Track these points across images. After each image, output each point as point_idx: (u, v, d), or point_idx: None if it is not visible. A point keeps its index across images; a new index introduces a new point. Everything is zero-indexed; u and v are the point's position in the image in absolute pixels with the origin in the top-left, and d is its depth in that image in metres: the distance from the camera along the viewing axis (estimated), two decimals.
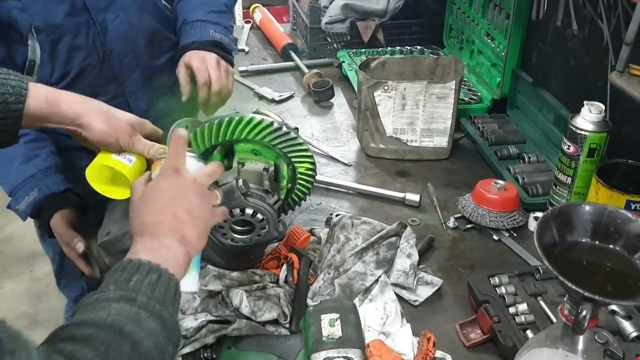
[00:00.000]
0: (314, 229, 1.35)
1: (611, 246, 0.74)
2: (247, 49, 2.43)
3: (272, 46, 2.43)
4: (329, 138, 1.82)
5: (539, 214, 1.42)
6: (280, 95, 2.03)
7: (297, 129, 1.79)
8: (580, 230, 0.76)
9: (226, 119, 1.15)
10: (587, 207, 0.76)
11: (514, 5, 1.66)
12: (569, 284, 0.66)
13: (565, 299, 0.76)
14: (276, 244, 1.32)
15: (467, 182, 1.57)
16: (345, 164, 1.68)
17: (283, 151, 1.21)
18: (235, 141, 1.19)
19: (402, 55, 2.02)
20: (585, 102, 1.29)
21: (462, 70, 1.65)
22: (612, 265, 0.74)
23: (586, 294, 0.65)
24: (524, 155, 1.62)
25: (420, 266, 1.28)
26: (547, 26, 1.64)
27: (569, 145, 1.31)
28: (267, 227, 1.19)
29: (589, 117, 1.27)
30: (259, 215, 1.09)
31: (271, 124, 1.18)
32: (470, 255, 1.34)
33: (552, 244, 0.74)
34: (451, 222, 1.43)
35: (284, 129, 1.19)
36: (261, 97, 2.04)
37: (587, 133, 1.27)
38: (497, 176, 1.57)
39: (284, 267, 1.22)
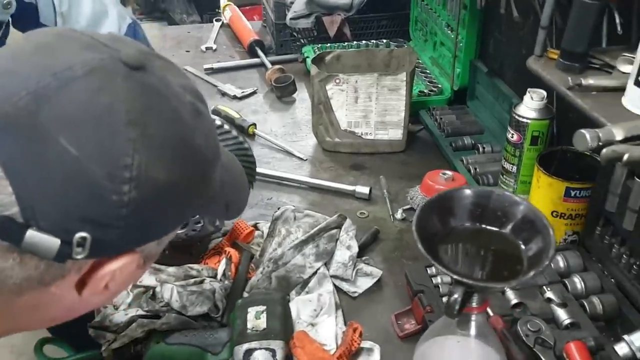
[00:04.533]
0: (258, 223, 1.35)
1: (499, 229, 0.74)
2: (214, 46, 2.43)
3: (241, 44, 2.42)
4: (288, 133, 1.81)
5: None
6: (243, 92, 2.02)
7: (254, 124, 1.80)
8: (465, 214, 0.75)
9: None
10: (468, 192, 0.75)
11: None
12: (440, 267, 0.65)
13: None
14: (220, 239, 1.31)
15: (421, 173, 1.55)
16: (301, 159, 1.67)
17: None
18: None
19: (357, 49, 2.01)
20: (528, 90, 1.28)
21: (414, 62, 1.64)
22: (497, 248, 0.73)
23: (455, 277, 0.64)
24: (479, 145, 1.62)
25: (364, 258, 1.27)
26: (501, 16, 1.62)
27: (512, 134, 1.31)
28: (201, 221, 1.19)
29: (531, 105, 1.26)
30: None
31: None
32: (415, 246, 1.33)
33: (435, 230, 0.73)
34: (399, 214, 1.42)
35: (217, 122, 1.18)
36: (224, 94, 2.04)
37: (529, 121, 1.27)
38: (450, 167, 1.56)
39: (223, 261, 1.21)
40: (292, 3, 2.30)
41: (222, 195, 0.75)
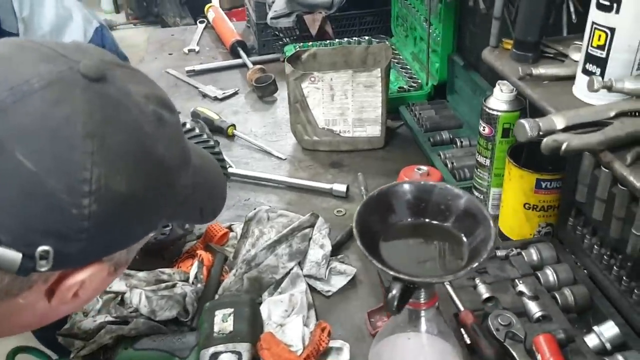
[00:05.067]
0: (232, 224, 1.34)
1: (441, 223, 0.73)
2: (197, 48, 2.43)
3: (223, 45, 2.41)
4: (268, 133, 1.81)
5: None
6: (224, 93, 2.02)
7: (233, 125, 1.79)
8: (407, 209, 0.74)
9: None
10: (410, 186, 0.75)
11: None
12: (377, 264, 0.65)
13: None
14: (194, 241, 1.31)
15: (400, 169, 1.55)
16: (280, 158, 1.67)
17: None
18: None
19: (333, 47, 2.00)
20: (497, 82, 1.27)
21: (389, 57, 1.63)
22: (439, 242, 0.72)
23: (392, 273, 0.63)
24: (457, 140, 1.61)
25: (339, 256, 1.27)
26: (475, 8, 1.61)
27: (484, 127, 1.30)
28: (170, 225, 1.18)
29: (500, 97, 1.25)
30: None
31: (183, 124, 1.17)
32: None
33: (378, 227, 0.72)
34: None
35: (187, 125, 1.18)
36: (205, 96, 2.03)
37: (499, 113, 1.26)
38: (428, 162, 1.55)
39: (195, 264, 1.21)
40: (273, 2, 2.30)
41: (195, 199, 0.75)
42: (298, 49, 2.17)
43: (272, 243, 1.22)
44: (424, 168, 1.40)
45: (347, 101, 1.60)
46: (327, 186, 1.50)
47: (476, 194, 1.39)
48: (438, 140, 1.63)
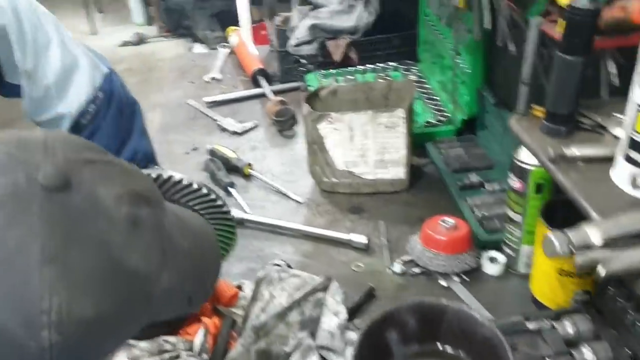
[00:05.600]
0: (242, 283, 1.26)
1: (457, 354, 0.63)
2: (219, 76, 2.36)
3: (245, 72, 2.35)
4: (286, 172, 1.72)
5: (494, 254, 1.30)
6: (243, 127, 1.94)
7: (249, 164, 1.72)
8: (416, 334, 0.65)
9: None
10: (419, 307, 0.65)
11: (475, 20, 1.53)
12: None
13: None
14: None
15: (425, 216, 1.44)
16: (297, 202, 1.58)
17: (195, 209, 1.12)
18: None
19: (354, 83, 1.91)
20: None
21: (412, 96, 1.53)
22: None
23: None
24: (487, 183, 1.50)
25: (356, 321, 1.18)
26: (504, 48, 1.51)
27: (515, 181, 1.19)
28: None
29: None
30: None
31: (179, 181, 1.09)
32: None
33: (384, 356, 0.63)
34: (397, 267, 1.32)
35: (183, 181, 1.10)
36: (223, 130, 1.96)
37: (532, 167, 1.15)
38: (455, 209, 1.44)
39: (200, 333, 1.13)
40: (295, 28, 2.22)
41: (182, 290, 0.69)
42: (320, 77, 2.10)
43: (283, 310, 1.13)
44: (450, 221, 1.30)
45: (367, 142, 1.50)
46: (345, 236, 1.41)
47: (506, 249, 1.28)
48: (467, 184, 1.52)
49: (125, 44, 3.30)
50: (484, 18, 1.23)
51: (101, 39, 3.30)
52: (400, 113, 1.45)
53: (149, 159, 1.41)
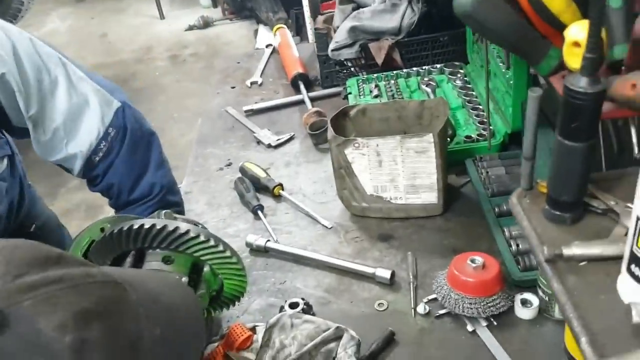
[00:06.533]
0: (257, 326, 1.21)
1: None
2: (260, 80, 2.31)
3: (286, 75, 2.28)
4: (317, 192, 1.66)
5: (528, 296, 1.19)
6: (278, 140, 1.89)
7: (280, 185, 1.66)
8: None
9: (125, 227, 1.05)
10: None
11: None
12: None
13: None
14: (216, 343, 1.20)
15: (458, 247, 1.36)
16: (325, 227, 1.51)
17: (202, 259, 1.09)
18: (146, 248, 1.08)
19: (384, 101, 1.80)
20: None
21: (446, 115, 1.42)
22: None
23: None
24: None
25: None
26: None
27: None
28: None
29: None
30: None
31: (186, 232, 1.05)
32: (436, 354, 1.15)
33: None
34: (422, 308, 1.23)
35: (202, 237, 1.06)
36: (259, 142, 1.91)
37: None
38: (491, 239, 1.34)
39: None
40: (336, 29, 2.12)
41: None
42: (361, 82, 2.01)
43: None
44: (479, 260, 1.19)
45: (397, 167, 1.41)
46: (370, 270, 1.33)
47: (540, 294, 1.17)
48: (504, 211, 1.40)
49: (191, 27, 3.31)
50: None
51: (169, 23, 3.32)
52: (430, 138, 1.35)
53: (168, 191, 1.38)
